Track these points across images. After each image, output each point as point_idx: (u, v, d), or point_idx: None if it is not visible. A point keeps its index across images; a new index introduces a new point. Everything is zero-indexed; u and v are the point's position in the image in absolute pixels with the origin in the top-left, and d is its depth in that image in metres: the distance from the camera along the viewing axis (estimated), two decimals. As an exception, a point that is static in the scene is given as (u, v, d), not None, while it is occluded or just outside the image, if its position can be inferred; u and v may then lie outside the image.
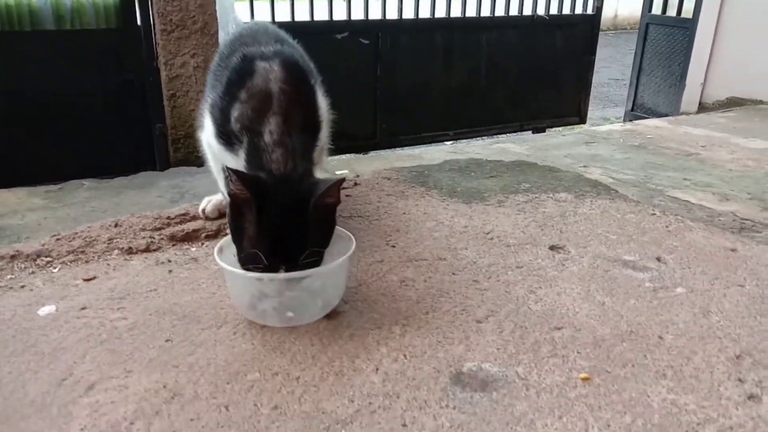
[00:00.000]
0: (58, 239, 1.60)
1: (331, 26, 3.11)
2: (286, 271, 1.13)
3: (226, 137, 1.33)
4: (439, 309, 1.29)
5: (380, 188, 2.00)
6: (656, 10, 4.14)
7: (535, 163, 2.32)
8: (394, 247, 1.59)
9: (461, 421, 0.98)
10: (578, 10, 3.91)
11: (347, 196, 1.92)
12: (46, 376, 1.08)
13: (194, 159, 2.73)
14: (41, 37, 2.44)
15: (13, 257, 1.52)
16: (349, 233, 1.32)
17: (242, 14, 2.89)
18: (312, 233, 1.16)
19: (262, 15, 2.92)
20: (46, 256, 1.54)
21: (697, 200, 1.93)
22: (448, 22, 3.46)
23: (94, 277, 1.44)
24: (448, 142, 3.68)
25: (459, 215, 1.79)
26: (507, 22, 3.67)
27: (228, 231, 1.63)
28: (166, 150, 2.72)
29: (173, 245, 1.62)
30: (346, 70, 3.17)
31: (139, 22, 2.54)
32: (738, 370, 1.11)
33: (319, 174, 1.34)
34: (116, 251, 1.57)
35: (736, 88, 3.91)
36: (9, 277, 1.44)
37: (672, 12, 4.02)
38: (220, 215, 1.73)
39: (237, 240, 1.19)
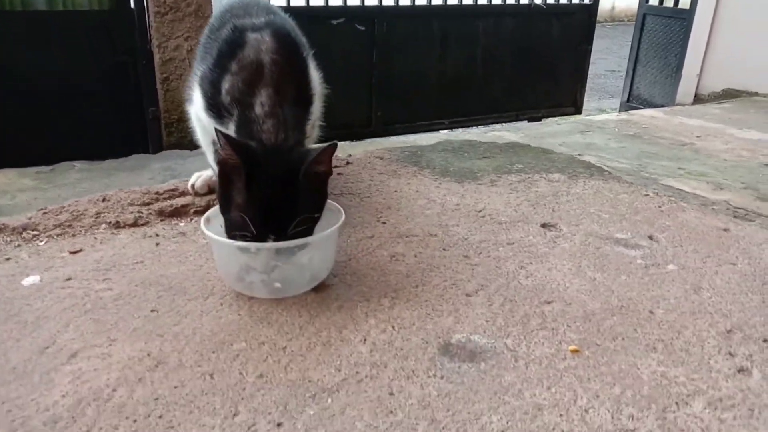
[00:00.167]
0: (45, 213, 1.58)
1: (327, 11, 3.07)
2: (275, 241, 1.11)
3: (216, 110, 1.31)
4: (429, 283, 1.28)
5: (372, 167, 1.99)
6: (654, 0, 4.12)
7: (528, 145, 2.30)
8: (384, 223, 1.57)
9: (449, 390, 0.97)
10: (575, 0, 3.89)
11: (339, 174, 1.90)
12: (29, 344, 1.06)
13: (187, 143, 2.70)
14: (32, 18, 2.40)
15: (-1, 230, 1.50)
16: (338, 206, 1.30)
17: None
18: (302, 202, 1.14)
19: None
20: (32, 230, 1.52)
21: (691, 189, 1.91)
22: (444, 10, 3.42)
23: (80, 250, 1.42)
24: (443, 131, 3.65)
25: (451, 194, 1.77)
26: (504, 10, 3.64)
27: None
28: (159, 134, 2.69)
29: (161, 220, 1.60)
30: (341, 57, 3.13)
31: (132, 4, 2.51)
32: (728, 344, 1.11)
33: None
34: (103, 225, 1.55)
35: (732, 79, 3.90)
36: (-6, 249, 1.42)
37: (669, 3, 4.01)
38: (210, 191, 1.71)
39: (224, 208, 1.17)
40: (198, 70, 1.41)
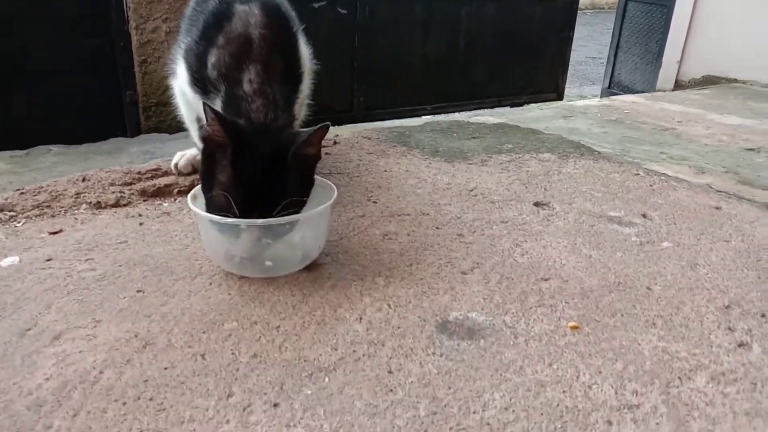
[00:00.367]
0: (22, 193, 1.52)
1: None
2: (262, 217, 1.07)
3: (202, 85, 1.26)
4: (424, 261, 1.25)
5: (360, 147, 1.95)
6: (636, -12, 4.13)
7: (517, 126, 2.28)
8: (375, 202, 1.54)
9: (449, 368, 0.94)
10: (558, -14, 3.87)
11: (326, 153, 1.86)
12: (8, 326, 1.01)
13: (166, 127, 2.63)
14: (7, 1, 2.31)
15: (-27, 211, 1.43)
16: (330, 183, 1.27)
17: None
18: (290, 185, 1.10)
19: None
20: (9, 210, 1.46)
21: (673, 173, 1.91)
22: None
23: (60, 231, 1.36)
24: (426, 116, 3.62)
25: (442, 173, 1.75)
26: (487, -6, 3.61)
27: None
28: (137, 118, 2.61)
29: (144, 200, 1.55)
30: (323, 41, 3.05)
31: None
32: (727, 319, 1.10)
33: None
34: (84, 206, 1.49)
35: (712, 66, 3.92)
36: (-31, 231, 1.36)
37: (651, -10, 4.02)
38: (194, 170, 1.66)
39: (206, 187, 1.12)
40: (182, 43, 1.36)
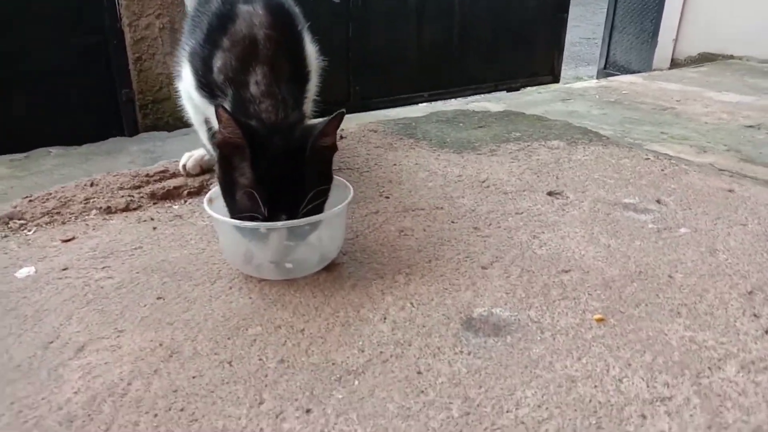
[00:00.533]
0: (30, 201, 1.51)
1: None
2: (288, 217, 1.06)
3: (209, 89, 1.24)
4: (442, 257, 1.25)
5: (367, 141, 1.93)
6: (628, -34, 4.10)
7: (522, 113, 2.27)
8: (388, 198, 1.53)
9: (478, 366, 0.94)
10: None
11: (334, 149, 1.84)
12: (31, 340, 1.00)
13: (163, 125, 2.61)
14: None
15: (-17, 221, 1.42)
16: (345, 181, 1.26)
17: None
18: (311, 178, 1.09)
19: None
20: (19, 219, 1.44)
21: (675, 153, 1.90)
22: None
23: (72, 238, 1.35)
24: (422, 104, 3.60)
25: (452, 165, 1.73)
26: (480, -22, 3.58)
27: (212, 186, 1.56)
28: (134, 116, 2.59)
29: (154, 203, 1.53)
30: (317, 32, 3.04)
31: None
32: (752, 305, 1.09)
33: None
34: (94, 211, 1.48)
35: (708, 43, 3.91)
36: (-20, 241, 1.35)
37: (644, -32, 3.99)
38: (202, 171, 1.65)
39: (228, 193, 1.11)
40: (186, 45, 1.34)
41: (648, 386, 0.90)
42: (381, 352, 0.97)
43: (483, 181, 1.62)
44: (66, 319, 1.06)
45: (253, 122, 1.12)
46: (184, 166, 1.63)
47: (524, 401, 0.87)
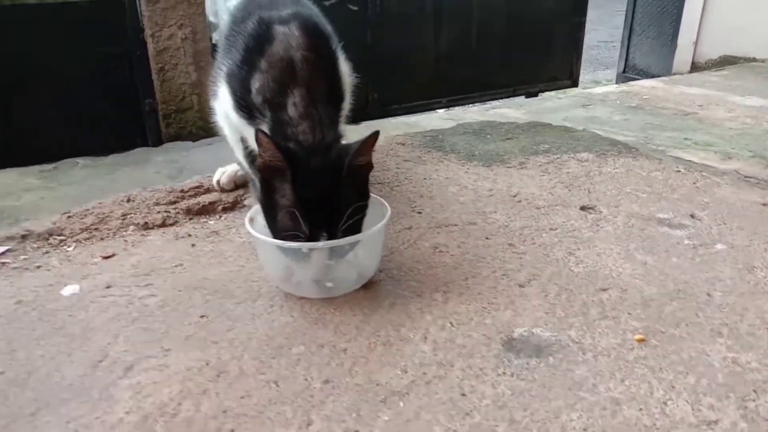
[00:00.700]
0: (69, 217, 1.54)
1: None
2: (328, 238, 1.08)
3: (247, 110, 1.26)
4: (479, 274, 1.25)
5: (395, 154, 1.95)
6: (647, -31, 4.07)
7: (549, 124, 2.27)
8: (420, 213, 1.54)
9: (521, 388, 0.95)
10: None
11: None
12: (80, 359, 1.03)
13: (187, 135, 2.64)
14: (23, 12, 2.31)
15: (24, 237, 1.45)
16: (382, 200, 1.27)
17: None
18: (349, 196, 1.11)
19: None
20: (58, 235, 1.47)
21: (699, 159, 1.89)
22: None
23: (112, 255, 1.38)
24: (441, 110, 3.61)
25: (482, 179, 1.74)
26: (497, -18, 3.58)
27: (246, 202, 1.58)
28: (158, 126, 2.62)
29: (190, 219, 1.56)
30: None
31: None
32: (793, 325, 1.09)
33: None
34: (132, 227, 1.50)
35: (729, 46, 3.87)
36: (23, 257, 1.38)
37: (663, -29, 3.97)
38: (236, 186, 1.67)
39: (270, 214, 1.13)
40: (223, 65, 1.35)
41: (693, 409, 0.90)
42: (424, 373, 0.98)
43: (514, 196, 1.62)
44: (113, 337, 1.08)
45: (291, 144, 1.14)
46: (218, 181, 1.65)
47: (570, 424, 0.88)
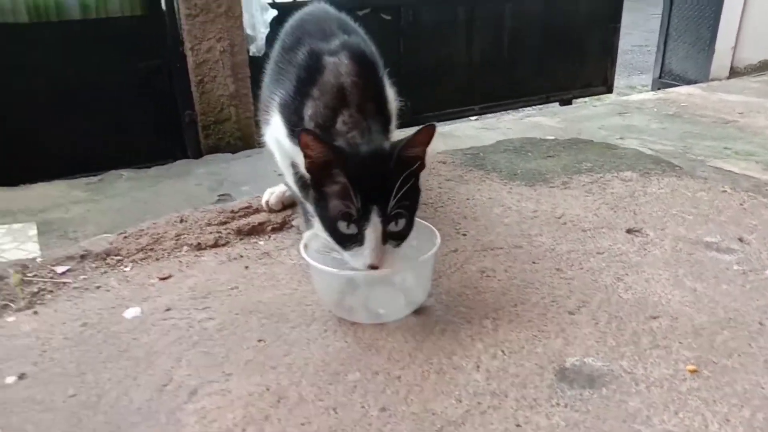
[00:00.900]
0: (125, 237, 1.59)
1: (353, 2, 3.03)
2: (380, 213, 1.09)
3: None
4: (528, 301, 1.27)
5: (437, 173, 1.97)
6: (683, -27, 4.02)
7: (591, 140, 2.27)
8: (465, 235, 1.56)
9: (576, 419, 0.96)
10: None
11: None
12: (146, 382, 1.07)
13: (225, 145, 2.70)
14: (67, 27, 2.41)
15: (83, 257, 1.51)
16: (431, 226, 1.29)
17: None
18: (399, 178, 1.10)
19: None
20: (115, 255, 1.53)
21: (740, 170, 1.87)
22: None
23: (169, 276, 1.43)
24: (473, 117, 3.62)
25: (525, 199, 1.75)
26: (530, -10, 3.58)
27: (294, 222, 1.62)
28: (197, 137, 2.70)
29: (241, 239, 1.60)
30: (368, 49, 3.10)
31: (163, 8, 2.50)
32: None
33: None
34: (185, 247, 1.56)
35: (769, 50, 3.80)
36: (82, 277, 1.44)
37: (700, -26, 3.91)
38: (284, 207, 1.71)
39: (322, 206, 1.15)
40: (276, 96, 1.40)
41: (750, 445, 0.91)
42: (479, 403, 1.00)
43: (559, 217, 1.63)
44: (176, 361, 1.12)
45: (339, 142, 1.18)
46: (266, 202, 1.70)
47: (626, 458, 0.89)
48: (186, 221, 1.67)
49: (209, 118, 2.66)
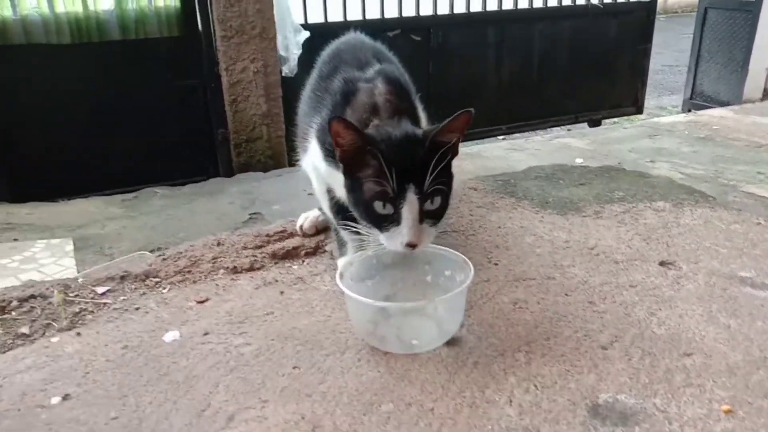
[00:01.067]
0: (164, 259, 1.64)
1: (383, 24, 3.09)
2: (416, 191, 1.12)
3: (334, 157, 1.34)
4: (560, 334, 1.28)
5: (469, 200, 1.99)
6: (715, -7, 3.99)
7: (623, 169, 2.26)
8: (497, 264, 1.57)
9: (609, 458, 0.96)
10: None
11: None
12: (185, 407, 1.10)
13: (256, 163, 2.77)
14: (108, 48, 2.51)
15: (122, 278, 1.56)
16: (463, 257, 1.31)
17: (297, 15, 2.88)
18: (433, 159, 1.14)
19: (315, 15, 2.91)
20: (154, 277, 1.57)
21: None
22: (499, 15, 3.41)
23: (206, 299, 1.46)
24: (500, 137, 3.64)
25: (557, 228, 1.76)
26: (560, 12, 3.61)
27: (327, 247, 1.65)
28: (229, 155, 2.76)
29: (275, 263, 1.64)
30: (396, 69, 3.14)
31: (200, 29, 2.57)
32: None
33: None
34: (222, 271, 1.59)
35: (804, 73, 3.75)
36: (122, 298, 1.48)
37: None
38: (317, 232, 1.74)
39: (356, 194, 1.19)
40: (313, 123, 1.44)
41: (787, 491, 0.90)
42: (512, 438, 1.01)
43: (592, 248, 1.64)
44: (214, 386, 1.15)
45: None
46: (301, 226, 1.73)
47: (660, 500, 0.89)
48: (223, 244, 1.71)
49: (241, 137, 2.73)
